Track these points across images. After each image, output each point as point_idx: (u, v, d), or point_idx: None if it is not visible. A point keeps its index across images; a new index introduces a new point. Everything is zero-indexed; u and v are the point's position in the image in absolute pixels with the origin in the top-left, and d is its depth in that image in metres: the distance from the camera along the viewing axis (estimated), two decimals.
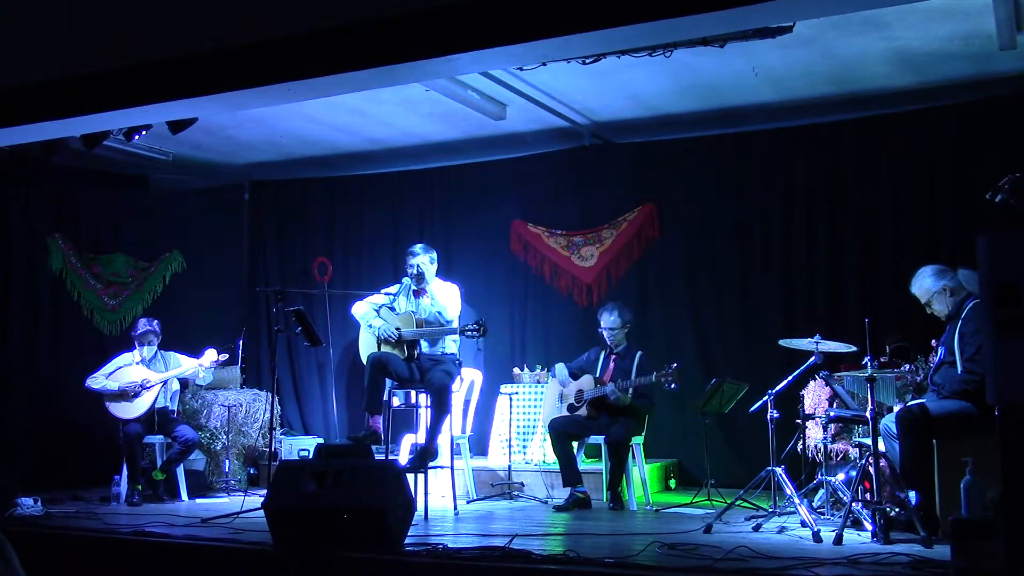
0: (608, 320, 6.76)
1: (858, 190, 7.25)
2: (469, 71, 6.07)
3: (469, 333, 6.24)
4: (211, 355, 7.22)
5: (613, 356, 6.80)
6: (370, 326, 6.71)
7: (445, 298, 6.62)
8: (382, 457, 6.18)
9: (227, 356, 7.37)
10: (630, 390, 6.42)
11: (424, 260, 6.65)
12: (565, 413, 6.63)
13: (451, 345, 6.66)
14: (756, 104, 7.29)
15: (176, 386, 7.33)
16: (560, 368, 6.88)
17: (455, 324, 6.63)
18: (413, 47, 4.46)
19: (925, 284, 5.29)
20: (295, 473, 4.88)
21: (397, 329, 6.57)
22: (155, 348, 7.30)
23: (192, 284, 8.92)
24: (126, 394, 7.02)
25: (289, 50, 4.67)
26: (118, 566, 5.01)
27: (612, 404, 6.48)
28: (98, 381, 7.07)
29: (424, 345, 6.61)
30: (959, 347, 5.04)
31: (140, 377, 7.09)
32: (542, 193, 8.43)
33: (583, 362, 6.85)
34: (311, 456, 6.61)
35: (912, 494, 4.83)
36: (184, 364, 7.28)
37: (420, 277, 6.61)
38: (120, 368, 7.16)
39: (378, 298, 6.81)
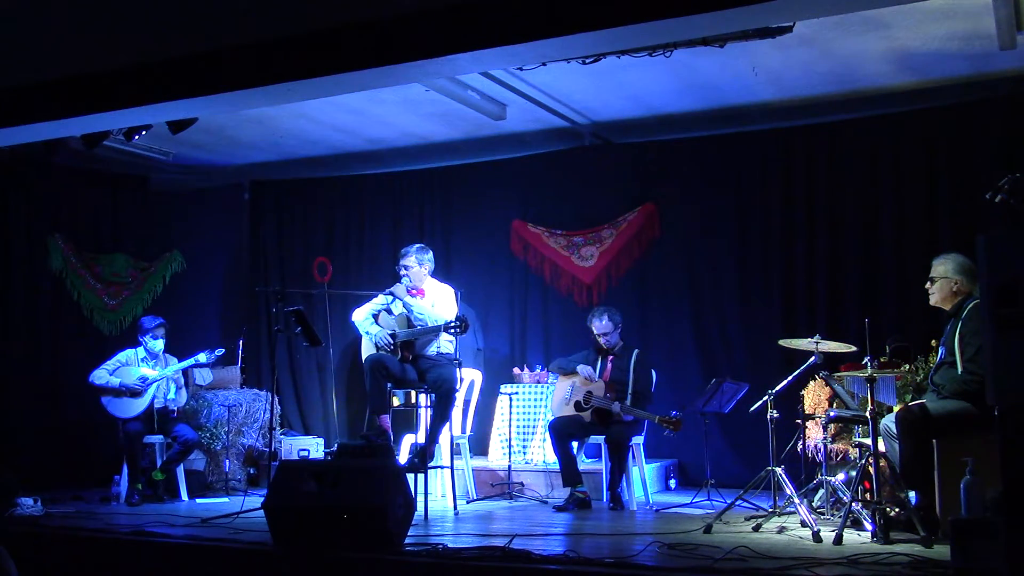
0: (600, 325, 6.76)
1: (858, 190, 7.25)
2: (469, 71, 6.07)
3: (452, 330, 6.26)
4: (200, 359, 7.21)
5: (611, 357, 6.81)
6: (367, 333, 6.74)
7: (440, 304, 6.63)
8: None
9: (223, 351, 7.35)
10: (632, 416, 6.46)
11: (412, 261, 6.67)
12: (572, 412, 6.63)
13: (448, 345, 6.67)
14: (756, 104, 7.29)
15: (175, 389, 7.30)
16: (557, 363, 6.91)
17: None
18: (413, 47, 4.46)
19: (947, 268, 5.25)
20: (295, 473, 4.88)
21: (391, 335, 6.60)
22: (163, 343, 7.28)
23: (192, 284, 8.92)
24: (132, 391, 7.01)
25: (289, 50, 4.68)
26: (118, 566, 5.01)
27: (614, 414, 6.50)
28: (101, 377, 7.06)
29: (431, 348, 6.62)
30: (959, 347, 5.03)
31: (140, 375, 7.09)
32: (542, 193, 8.43)
33: (581, 360, 6.85)
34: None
35: (912, 494, 4.83)
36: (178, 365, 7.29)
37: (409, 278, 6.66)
38: (122, 365, 7.16)
39: (379, 300, 6.83)
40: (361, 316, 6.86)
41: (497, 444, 7.66)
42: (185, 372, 7.44)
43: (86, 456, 7.77)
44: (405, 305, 6.59)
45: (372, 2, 4.46)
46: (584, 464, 6.82)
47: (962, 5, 5.51)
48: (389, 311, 6.77)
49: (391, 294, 6.67)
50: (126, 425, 6.98)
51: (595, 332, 6.80)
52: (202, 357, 7.19)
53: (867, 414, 4.98)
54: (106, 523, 5.69)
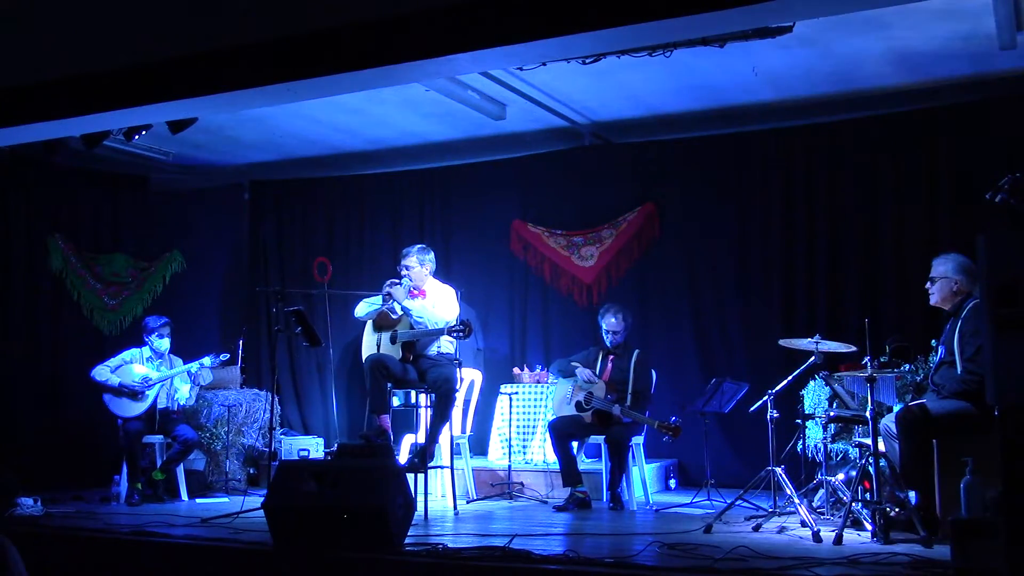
0: (611, 323, 6.75)
1: (858, 190, 7.24)
2: (469, 71, 6.07)
3: (455, 334, 6.26)
4: (205, 362, 7.21)
5: (611, 356, 6.81)
6: (369, 308, 6.71)
7: (440, 304, 6.62)
8: None
9: (228, 356, 7.36)
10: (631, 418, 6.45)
11: (414, 261, 6.67)
12: (574, 412, 6.62)
13: (448, 345, 6.67)
14: (756, 104, 7.29)
15: (182, 389, 7.29)
16: (557, 365, 6.91)
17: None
18: (413, 47, 4.46)
19: (947, 268, 5.26)
20: (295, 473, 4.88)
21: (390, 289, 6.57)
22: (169, 341, 7.28)
23: (192, 284, 8.92)
24: (131, 392, 7.01)
25: (289, 50, 4.68)
26: (118, 566, 5.01)
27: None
28: (102, 374, 7.05)
29: (431, 348, 6.62)
30: (959, 347, 5.04)
31: (142, 374, 7.09)
32: (542, 193, 8.43)
33: (581, 359, 6.84)
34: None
35: (912, 494, 4.83)
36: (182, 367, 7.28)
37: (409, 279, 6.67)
38: (126, 364, 7.16)
39: (378, 300, 6.81)
40: (362, 311, 6.84)
41: (497, 444, 7.66)
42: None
43: (86, 456, 7.76)
44: (404, 308, 6.58)
45: (372, 2, 4.46)
46: (584, 464, 6.82)
47: (962, 5, 5.51)
48: (391, 312, 6.75)
49: (389, 295, 6.64)
50: (126, 424, 6.98)
51: (604, 328, 6.78)
52: (207, 361, 7.19)
53: (867, 414, 4.98)
54: (106, 523, 5.69)
